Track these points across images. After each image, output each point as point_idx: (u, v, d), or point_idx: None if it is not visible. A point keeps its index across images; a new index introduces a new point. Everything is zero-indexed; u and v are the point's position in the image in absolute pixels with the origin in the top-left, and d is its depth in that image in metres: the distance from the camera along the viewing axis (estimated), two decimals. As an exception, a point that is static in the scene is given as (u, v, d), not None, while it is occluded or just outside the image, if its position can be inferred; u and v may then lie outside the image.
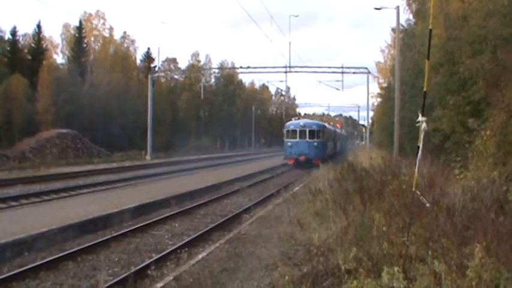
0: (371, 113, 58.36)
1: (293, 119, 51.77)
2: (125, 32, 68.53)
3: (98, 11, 63.40)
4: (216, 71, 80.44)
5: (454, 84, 13.89)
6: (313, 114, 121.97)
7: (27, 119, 48.24)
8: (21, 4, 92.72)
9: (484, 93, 12.07)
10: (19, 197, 17.37)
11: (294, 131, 40.03)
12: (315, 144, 39.12)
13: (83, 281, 8.45)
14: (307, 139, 39.14)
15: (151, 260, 9.37)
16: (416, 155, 6.37)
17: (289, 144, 39.84)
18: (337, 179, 13.89)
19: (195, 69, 75.41)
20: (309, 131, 39.67)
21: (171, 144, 63.03)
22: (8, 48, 54.32)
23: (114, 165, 36.59)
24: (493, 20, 11.41)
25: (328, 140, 43.50)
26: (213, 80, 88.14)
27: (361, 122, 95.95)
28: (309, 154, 38.42)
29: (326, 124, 49.11)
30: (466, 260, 5.06)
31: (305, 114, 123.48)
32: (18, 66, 51.06)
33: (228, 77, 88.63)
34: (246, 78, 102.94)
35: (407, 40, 26.46)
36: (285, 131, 41.50)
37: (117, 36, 67.22)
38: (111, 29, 65.31)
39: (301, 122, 43.39)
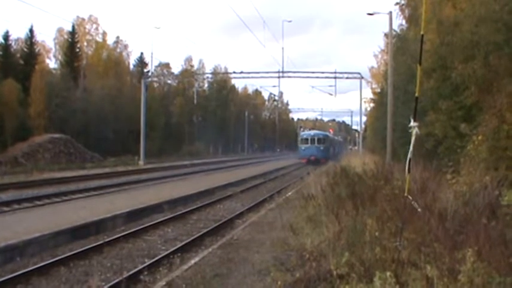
0: (364, 118, 59.70)
1: (305, 129, 78.30)
2: (117, 37, 68.69)
3: (90, 15, 63.63)
4: (209, 76, 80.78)
5: (446, 89, 13.95)
6: (306, 119, 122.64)
7: (20, 123, 47.85)
8: (14, 8, 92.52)
9: (476, 99, 12.14)
10: (11, 202, 17.25)
11: (307, 139, 56.10)
12: (321, 148, 54.68)
13: (75, 287, 8.41)
14: (315, 144, 54.66)
15: (143, 265, 9.33)
16: (408, 160, 6.37)
17: (303, 148, 56.12)
18: (329, 184, 13.85)
19: (188, 74, 75.46)
20: (317, 138, 55.51)
21: (164, 150, 63.01)
22: (1, 53, 53.99)
23: (107, 170, 36.45)
24: (485, 26, 11.46)
25: (330, 145, 59.67)
26: (206, 85, 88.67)
27: (354, 127, 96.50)
28: (317, 155, 52.66)
29: (328, 133, 68.35)
30: (458, 264, 5.05)
31: (298, 119, 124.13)
32: (10, 70, 50.62)
33: (221, 82, 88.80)
34: (239, 84, 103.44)
35: (400, 45, 26.57)
36: (299, 138, 59.71)
37: (110, 41, 67.35)
38: (104, 33, 65.44)
39: (312, 132, 61.97)
